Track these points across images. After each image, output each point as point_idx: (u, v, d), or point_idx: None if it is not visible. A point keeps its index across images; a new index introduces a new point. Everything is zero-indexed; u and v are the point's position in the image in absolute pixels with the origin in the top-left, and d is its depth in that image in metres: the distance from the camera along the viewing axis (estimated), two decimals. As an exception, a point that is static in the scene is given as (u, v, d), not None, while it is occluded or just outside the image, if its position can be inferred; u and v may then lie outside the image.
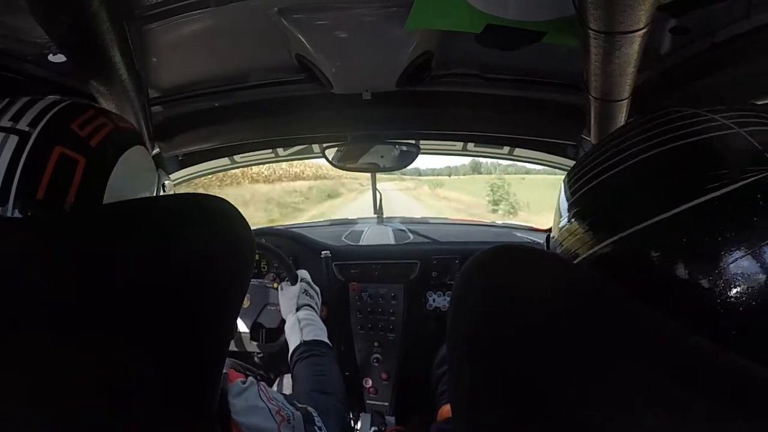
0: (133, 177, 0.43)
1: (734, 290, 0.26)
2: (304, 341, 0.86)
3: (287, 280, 1.04)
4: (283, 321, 1.00)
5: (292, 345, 0.88)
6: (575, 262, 0.34)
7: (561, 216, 0.38)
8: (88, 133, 0.39)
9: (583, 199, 0.35)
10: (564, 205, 0.38)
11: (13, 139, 0.35)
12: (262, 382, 0.59)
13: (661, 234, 0.28)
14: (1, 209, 0.35)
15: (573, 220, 0.36)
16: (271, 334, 1.13)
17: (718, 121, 0.30)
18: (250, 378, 0.57)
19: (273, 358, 1.20)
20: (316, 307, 1.00)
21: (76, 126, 0.39)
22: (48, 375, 0.29)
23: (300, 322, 0.91)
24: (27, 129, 0.36)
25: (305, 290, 1.01)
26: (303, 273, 1.06)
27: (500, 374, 0.26)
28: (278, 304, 1.06)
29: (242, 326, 1.15)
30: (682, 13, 0.58)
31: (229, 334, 0.44)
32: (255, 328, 1.14)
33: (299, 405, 0.60)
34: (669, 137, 0.31)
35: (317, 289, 1.06)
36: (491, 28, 0.64)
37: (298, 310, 0.96)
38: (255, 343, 1.14)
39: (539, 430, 0.23)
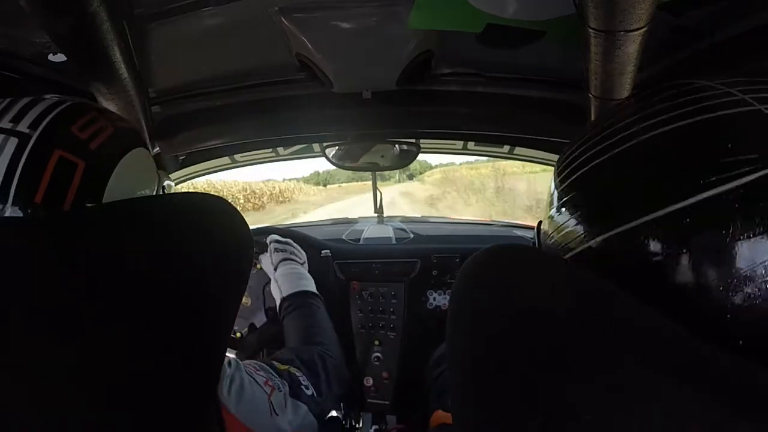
0: (133, 179, 0.43)
1: (745, 292, 0.23)
2: (283, 297, 0.86)
3: (259, 254, 1.05)
4: None
5: (277, 305, 0.87)
6: (566, 256, 0.32)
7: (551, 206, 0.35)
8: (88, 136, 0.39)
9: (575, 186, 0.31)
10: (554, 193, 0.34)
11: (13, 141, 0.35)
12: (246, 361, 0.58)
13: (667, 229, 0.25)
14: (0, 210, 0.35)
15: (563, 210, 0.32)
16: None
17: (736, 96, 0.26)
18: (233, 359, 0.56)
19: None
20: (294, 257, 1.00)
21: (76, 129, 0.39)
22: (45, 375, 0.29)
23: (278, 280, 0.91)
24: (27, 131, 0.36)
25: (275, 248, 1.01)
26: (270, 237, 1.06)
27: (501, 374, 0.26)
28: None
29: (260, 322, 1.16)
30: (682, 12, 0.58)
31: (228, 333, 0.44)
32: (269, 313, 1.14)
33: (281, 367, 0.60)
34: (677, 114, 0.26)
35: (288, 240, 1.06)
36: (492, 27, 0.64)
37: (276, 269, 0.96)
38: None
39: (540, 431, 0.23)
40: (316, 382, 0.63)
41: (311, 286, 0.92)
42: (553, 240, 0.34)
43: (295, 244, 1.05)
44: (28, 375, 0.29)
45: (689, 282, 0.25)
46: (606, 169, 0.29)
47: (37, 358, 0.29)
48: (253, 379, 0.54)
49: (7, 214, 0.35)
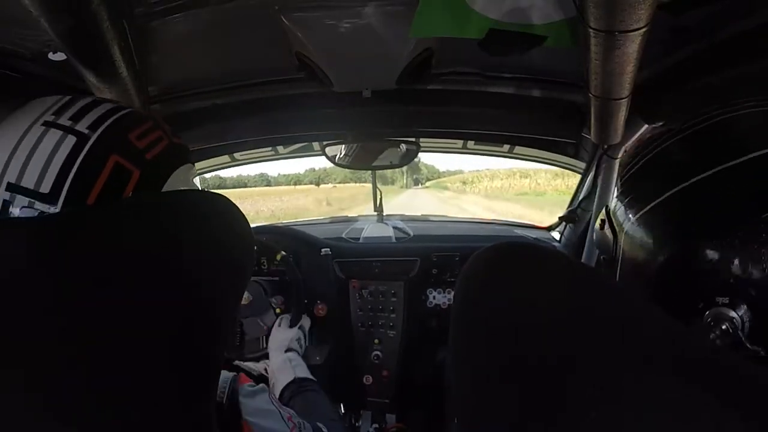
0: None
1: (745, 248, 0.30)
2: (297, 378, 0.90)
3: (289, 316, 1.10)
4: (260, 339, 1.07)
5: (283, 381, 0.91)
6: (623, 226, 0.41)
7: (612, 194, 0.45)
8: (145, 146, 0.39)
9: (632, 177, 0.42)
10: (617, 184, 0.44)
11: (71, 140, 0.35)
12: (272, 392, 0.60)
13: (692, 195, 0.34)
14: (51, 210, 0.34)
15: (621, 195, 0.42)
16: (249, 344, 1.16)
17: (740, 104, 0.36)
18: (261, 384, 0.58)
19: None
20: (300, 356, 1.06)
21: (134, 137, 0.38)
22: (51, 374, 0.29)
23: (291, 361, 0.97)
24: (86, 132, 0.35)
25: (299, 338, 1.07)
26: (305, 321, 1.12)
27: (504, 374, 0.26)
28: (267, 327, 1.11)
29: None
30: (682, 12, 0.58)
31: (228, 331, 0.44)
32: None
33: (307, 423, 0.62)
34: (700, 119, 0.37)
35: (307, 344, 1.11)
36: (494, 33, 0.64)
37: (286, 351, 1.01)
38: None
39: (544, 431, 0.23)
40: None
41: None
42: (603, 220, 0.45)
43: (306, 344, 1.11)
44: (32, 373, 0.29)
45: (708, 240, 0.32)
46: (655, 159, 0.40)
47: (39, 361, 0.29)
48: (278, 410, 0.55)
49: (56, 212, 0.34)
